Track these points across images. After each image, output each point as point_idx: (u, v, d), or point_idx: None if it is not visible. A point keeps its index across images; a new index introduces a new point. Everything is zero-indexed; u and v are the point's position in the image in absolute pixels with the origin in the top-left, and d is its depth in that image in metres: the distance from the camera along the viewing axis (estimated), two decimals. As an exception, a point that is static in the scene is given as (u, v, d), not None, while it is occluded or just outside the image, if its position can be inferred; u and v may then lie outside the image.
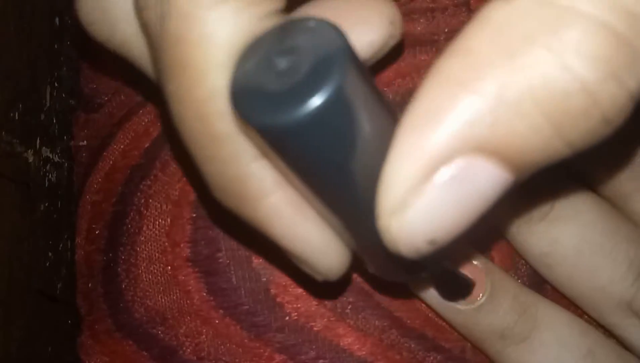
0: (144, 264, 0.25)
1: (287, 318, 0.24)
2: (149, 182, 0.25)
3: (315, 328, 0.24)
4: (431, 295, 0.23)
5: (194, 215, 0.25)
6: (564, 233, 0.23)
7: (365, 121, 0.15)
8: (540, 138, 0.13)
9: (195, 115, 0.16)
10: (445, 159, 0.13)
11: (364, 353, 0.24)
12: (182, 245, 0.25)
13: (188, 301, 0.24)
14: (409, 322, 0.24)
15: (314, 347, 0.24)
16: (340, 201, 0.16)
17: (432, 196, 0.14)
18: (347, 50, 0.14)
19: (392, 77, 0.25)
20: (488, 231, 0.24)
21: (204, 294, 0.24)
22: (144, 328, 0.25)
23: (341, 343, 0.24)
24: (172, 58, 0.16)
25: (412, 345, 0.24)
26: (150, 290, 0.25)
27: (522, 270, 0.25)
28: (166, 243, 0.25)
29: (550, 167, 0.14)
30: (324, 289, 0.23)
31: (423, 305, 0.24)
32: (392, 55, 0.22)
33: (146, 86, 0.26)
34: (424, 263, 0.19)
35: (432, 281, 0.23)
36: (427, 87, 0.14)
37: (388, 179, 0.14)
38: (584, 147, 0.14)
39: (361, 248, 0.19)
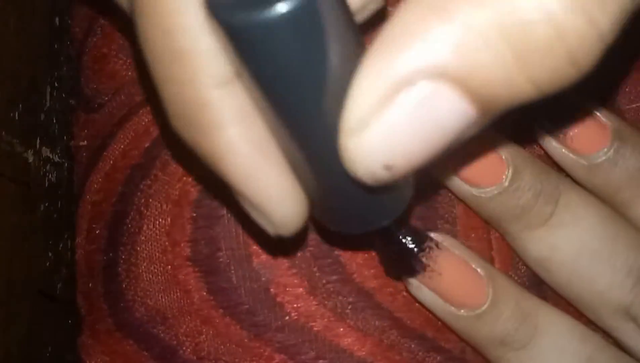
0: (144, 264, 0.25)
1: (287, 318, 0.24)
2: (149, 182, 0.25)
3: (315, 328, 0.24)
4: (432, 298, 0.23)
5: (194, 215, 0.25)
6: (564, 239, 0.23)
7: (337, 38, 0.15)
8: (504, 71, 0.13)
9: (160, 29, 0.15)
10: (408, 81, 0.13)
11: (363, 353, 0.24)
12: (182, 245, 0.25)
13: (188, 301, 0.24)
14: (409, 322, 0.24)
15: (313, 347, 0.24)
16: (305, 127, 0.16)
17: (391, 118, 0.13)
18: None
19: None
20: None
21: (204, 293, 0.24)
22: (144, 327, 0.25)
23: (341, 344, 0.24)
24: None
25: (412, 346, 0.24)
26: (150, 290, 0.25)
27: (522, 271, 0.25)
28: (166, 243, 0.25)
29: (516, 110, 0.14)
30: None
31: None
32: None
33: (146, 86, 0.26)
34: (383, 207, 0.19)
35: (383, 246, 0.23)
36: (399, 12, 0.13)
37: (351, 99, 0.14)
38: (549, 90, 0.13)
39: (322, 190, 0.18)
